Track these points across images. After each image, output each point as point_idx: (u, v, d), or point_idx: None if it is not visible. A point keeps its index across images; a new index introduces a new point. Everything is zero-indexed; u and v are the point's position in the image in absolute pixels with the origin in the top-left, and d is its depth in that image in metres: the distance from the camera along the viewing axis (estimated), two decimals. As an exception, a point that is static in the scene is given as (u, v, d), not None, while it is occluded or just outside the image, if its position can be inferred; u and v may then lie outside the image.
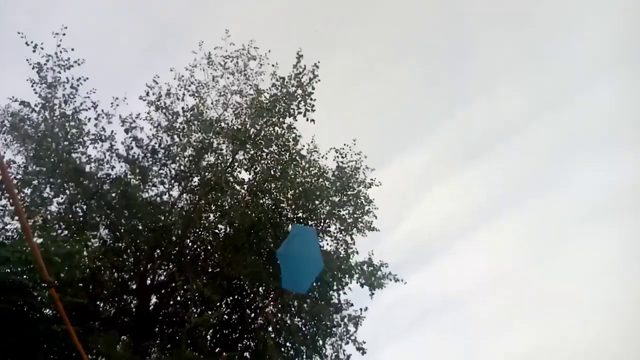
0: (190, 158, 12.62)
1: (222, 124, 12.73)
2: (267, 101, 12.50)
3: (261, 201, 12.79)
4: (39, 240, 8.63)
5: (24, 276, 7.05)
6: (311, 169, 13.46)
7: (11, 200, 10.60)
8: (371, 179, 13.42)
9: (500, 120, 22.55)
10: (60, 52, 11.92)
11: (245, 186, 12.95)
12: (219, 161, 12.75)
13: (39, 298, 7.35)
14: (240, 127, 12.80)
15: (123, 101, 12.66)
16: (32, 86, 11.98)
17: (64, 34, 11.87)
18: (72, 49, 11.99)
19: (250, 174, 12.99)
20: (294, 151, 12.73)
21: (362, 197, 13.12)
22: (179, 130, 12.57)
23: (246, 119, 13.01)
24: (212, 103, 13.29)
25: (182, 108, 12.73)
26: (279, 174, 12.83)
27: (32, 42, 11.77)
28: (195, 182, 12.74)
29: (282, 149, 12.78)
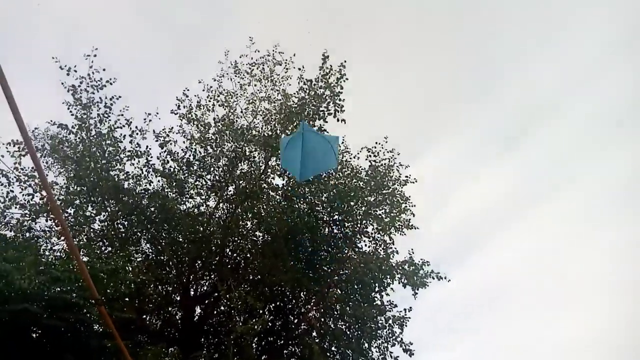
0: (225, 168, 12.70)
1: (253, 132, 12.76)
2: (295, 105, 12.46)
3: (296, 206, 12.75)
4: (85, 259, 8.83)
5: (74, 294, 7.19)
6: (344, 170, 13.34)
7: (57, 221, 10.95)
8: (406, 176, 13.18)
9: (534, 102, 21.71)
10: (93, 73, 12.25)
11: (279, 192, 12.94)
12: (253, 169, 12.79)
13: (89, 315, 7.48)
14: (271, 133, 12.81)
15: (155, 116, 12.90)
16: (68, 108, 12.35)
17: (94, 55, 12.20)
18: (104, 69, 12.31)
19: (283, 180, 12.97)
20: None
21: (397, 195, 12.88)
22: (212, 141, 12.67)
23: (276, 125, 13.00)
24: (241, 111, 13.39)
25: (214, 119, 12.84)
26: (311, 177, 12.74)
27: (65, 66, 12.15)
28: (230, 191, 12.80)
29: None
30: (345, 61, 11.71)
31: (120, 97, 12.42)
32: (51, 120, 12.29)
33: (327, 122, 12.02)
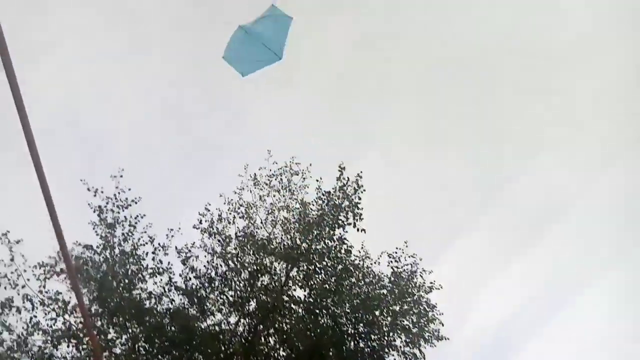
0: (246, 282, 12.62)
1: (274, 243, 12.84)
2: (315, 215, 12.65)
3: (320, 319, 12.43)
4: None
5: None
6: (366, 278, 13.14)
7: (88, 342, 10.80)
8: (431, 282, 12.90)
9: (552, 192, 21.69)
10: (119, 193, 12.72)
11: (302, 305, 12.68)
12: (274, 281, 12.68)
13: None
14: (290, 243, 12.89)
15: (177, 231, 13.11)
16: (94, 228, 12.67)
17: (121, 176, 12.76)
18: (129, 189, 12.80)
19: (305, 291, 12.77)
20: (347, 262, 12.53)
21: (424, 303, 12.52)
22: (233, 255, 12.73)
23: (295, 234, 13.12)
24: (261, 222, 13.58)
25: (235, 233, 12.99)
26: (334, 287, 12.57)
27: (92, 187, 12.67)
28: (252, 305, 12.60)
29: (335, 262, 12.62)
30: (361, 172, 12.07)
31: (144, 215, 12.78)
32: (76, 241, 12.57)
33: (347, 231, 12.10)
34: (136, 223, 12.70)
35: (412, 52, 20.04)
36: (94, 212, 12.66)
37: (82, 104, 19.66)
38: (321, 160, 13.93)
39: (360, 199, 11.87)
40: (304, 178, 13.72)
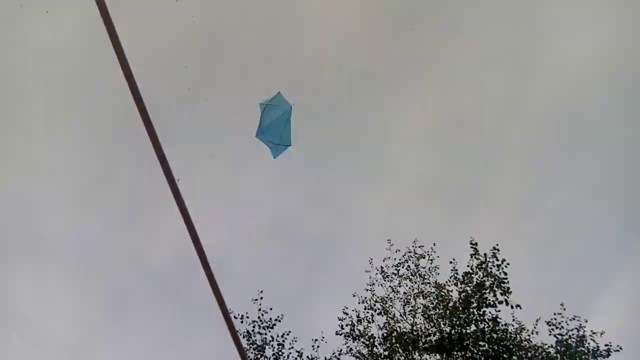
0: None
1: (422, 336, 12.42)
2: (456, 297, 12.20)
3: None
4: None
5: None
6: (529, 353, 12.08)
7: None
8: (606, 345, 11.56)
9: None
10: (262, 314, 13.24)
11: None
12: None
13: None
14: (436, 330, 12.40)
15: (322, 340, 13.20)
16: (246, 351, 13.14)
17: (261, 298, 13.35)
18: (271, 309, 13.29)
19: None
20: (506, 342, 11.68)
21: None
22: (384, 356, 12.45)
23: (438, 319, 12.64)
24: (400, 315, 13.30)
25: (383, 335, 12.79)
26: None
27: (238, 315, 13.32)
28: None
29: (492, 343, 11.83)
30: (497, 244, 11.60)
31: (289, 331, 13.09)
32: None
33: (499, 310, 11.44)
34: (284, 341, 13.02)
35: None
36: (243, 337, 13.21)
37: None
38: (436, 236, 13.69)
39: (506, 274, 11.28)
40: (432, 260, 13.51)
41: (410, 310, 13.35)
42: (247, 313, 13.28)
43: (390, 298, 13.58)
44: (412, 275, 13.62)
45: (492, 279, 11.45)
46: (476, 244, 11.91)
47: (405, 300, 13.46)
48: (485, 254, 11.63)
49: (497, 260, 11.56)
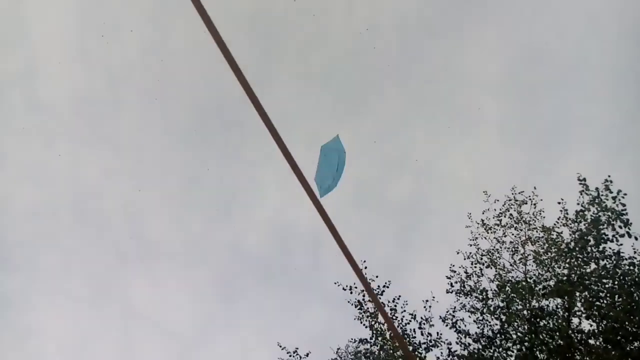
0: (527, 331, 11.90)
1: (538, 281, 12.06)
2: (569, 238, 11.66)
3: (625, 344, 10.91)
4: None
5: None
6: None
7: None
8: None
9: None
10: (370, 282, 13.48)
11: (598, 336, 11.36)
12: (557, 321, 11.71)
13: None
14: (550, 275, 11.96)
15: (433, 300, 13.21)
16: (360, 321, 13.52)
17: (365, 267, 13.57)
18: (377, 276, 13.49)
19: (595, 320, 11.46)
20: (635, 276, 10.99)
21: None
22: (501, 307, 12.25)
23: (552, 263, 12.18)
24: (510, 264, 12.97)
25: (497, 286, 12.56)
26: (628, 306, 11.04)
27: (347, 286, 13.67)
28: (544, 353, 11.72)
29: (618, 279, 11.20)
30: (609, 176, 10.86)
31: (399, 296, 13.25)
32: (351, 338, 13.54)
33: (621, 244, 10.77)
34: (395, 305, 13.21)
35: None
36: (355, 306, 13.58)
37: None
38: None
39: (624, 205, 10.57)
40: (535, 204, 12.99)
41: (521, 259, 12.97)
42: (354, 283, 13.60)
43: (497, 249, 13.28)
44: (515, 223, 13.20)
45: (609, 213, 10.77)
46: (584, 179, 11.24)
47: (513, 250, 13.09)
48: (597, 188, 10.95)
49: (611, 192, 10.84)
